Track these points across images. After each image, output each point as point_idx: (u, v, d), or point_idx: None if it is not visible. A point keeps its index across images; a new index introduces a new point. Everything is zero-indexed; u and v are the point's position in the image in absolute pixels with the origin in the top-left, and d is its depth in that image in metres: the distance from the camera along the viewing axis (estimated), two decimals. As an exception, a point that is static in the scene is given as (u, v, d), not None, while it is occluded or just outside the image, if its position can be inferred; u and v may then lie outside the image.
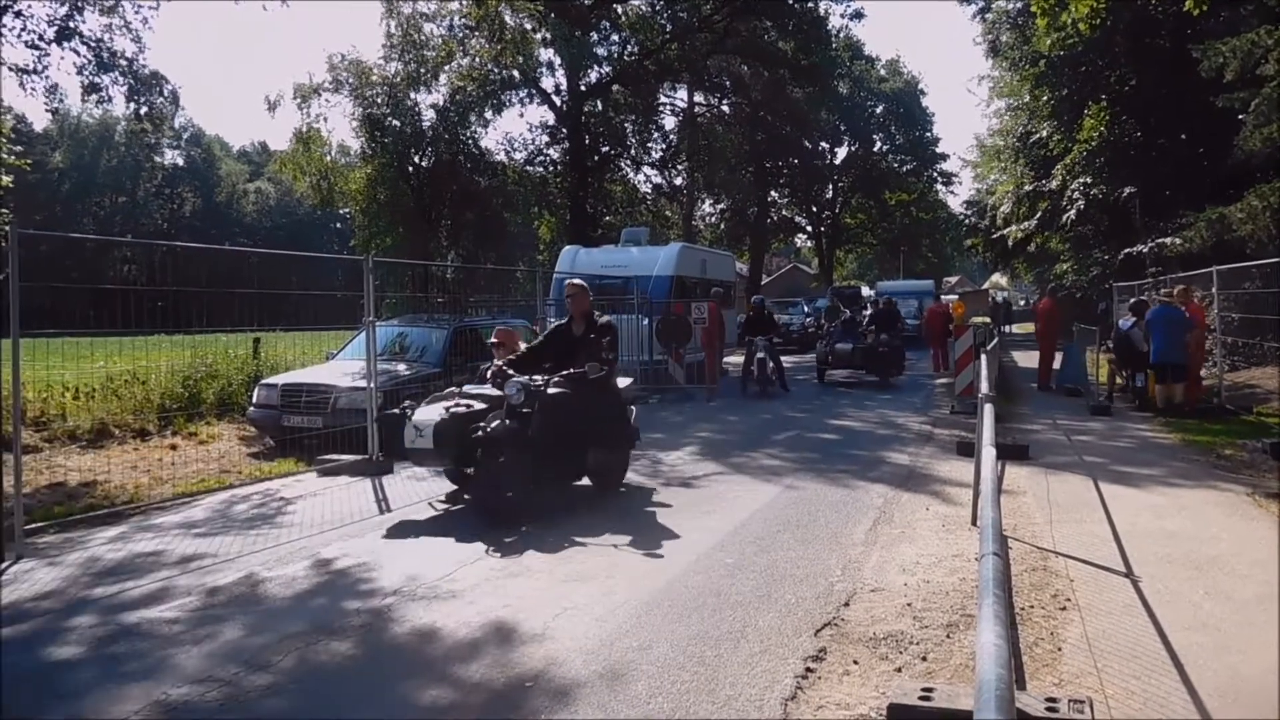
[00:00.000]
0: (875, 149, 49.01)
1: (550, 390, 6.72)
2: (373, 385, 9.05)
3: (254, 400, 10.40)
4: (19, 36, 13.29)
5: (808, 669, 3.84)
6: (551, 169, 29.47)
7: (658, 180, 34.29)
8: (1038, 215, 26.42)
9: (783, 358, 17.19)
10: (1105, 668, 3.79)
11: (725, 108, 35.21)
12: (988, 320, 30.28)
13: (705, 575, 5.17)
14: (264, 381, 10.65)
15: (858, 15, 37.60)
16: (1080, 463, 8.63)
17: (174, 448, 10.23)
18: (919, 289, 34.62)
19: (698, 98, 34.44)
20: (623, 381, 7.90)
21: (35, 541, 6.22)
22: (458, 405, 6.90)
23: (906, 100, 48.36)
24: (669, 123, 33.46)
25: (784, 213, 49.46)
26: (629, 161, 31.63)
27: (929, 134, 49.89)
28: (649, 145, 31.83)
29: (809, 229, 52.56)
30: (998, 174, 33.36)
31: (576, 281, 7.71)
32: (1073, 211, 22.70)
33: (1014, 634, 4.10)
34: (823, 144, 46.75)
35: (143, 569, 5.51)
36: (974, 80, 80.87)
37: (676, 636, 4.19)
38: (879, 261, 62.39)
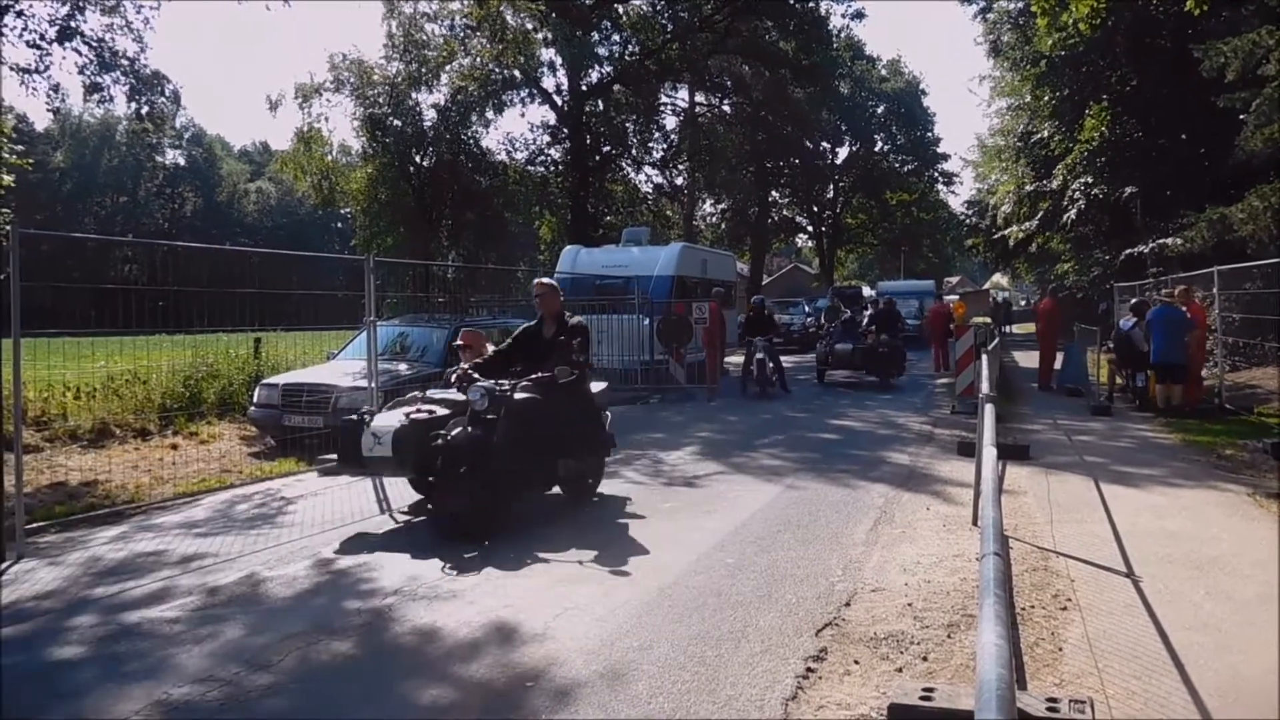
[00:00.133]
0: (876, 149, 49.00)
1: (517, 395, 6.32)
2: (374, 385, 9.06)
3: (255, 400, 10.41)
4: (20, 36, 13.32)
5: (808, 669, 3.84)
6: (552, 169, 29.48)
7: (659, 180, 34.36)
8: (1039, 215, 26.40)
9: (784, 358, 17.18)
10: (1106, 668, 3.79)
11: (726, 108, 35.22)
12: (988, 320, 30.26)
13: (706, 575, 5.17)
14: (265, 381, 10.66)
15: (859, 15, 37.68)
16: (1081, 463, 8.63)
17: (175, 447, 10.24)
18: (919, 289, 34.62)
19: (699, 97, 34.45)
20: (596, 386, 7.53)
21: (36, 541, 6.23)
22: (419, 411, 6.52)
23: (907, 100, 48.34)
24: (670, 123, 33.53)
25: (785, 213, 49.47)
26: (630, 161, 31.66)
27: (930, 134, 49.91)
28: (650, 145, 31.85)
29: (810, 229, 52.55)
30: (999, 174, 33.32)
31: (546, 280, 7.26)
32: (1073, 211, 22.68)
33: (1015, 634, 4.10)
34: (824, 144, 46.75)
35: (144, 569, 5.51)
36: (975, 80, 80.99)
37: (677, 636, 4.20)
38: (880, 261, 62.38)
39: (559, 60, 26.00)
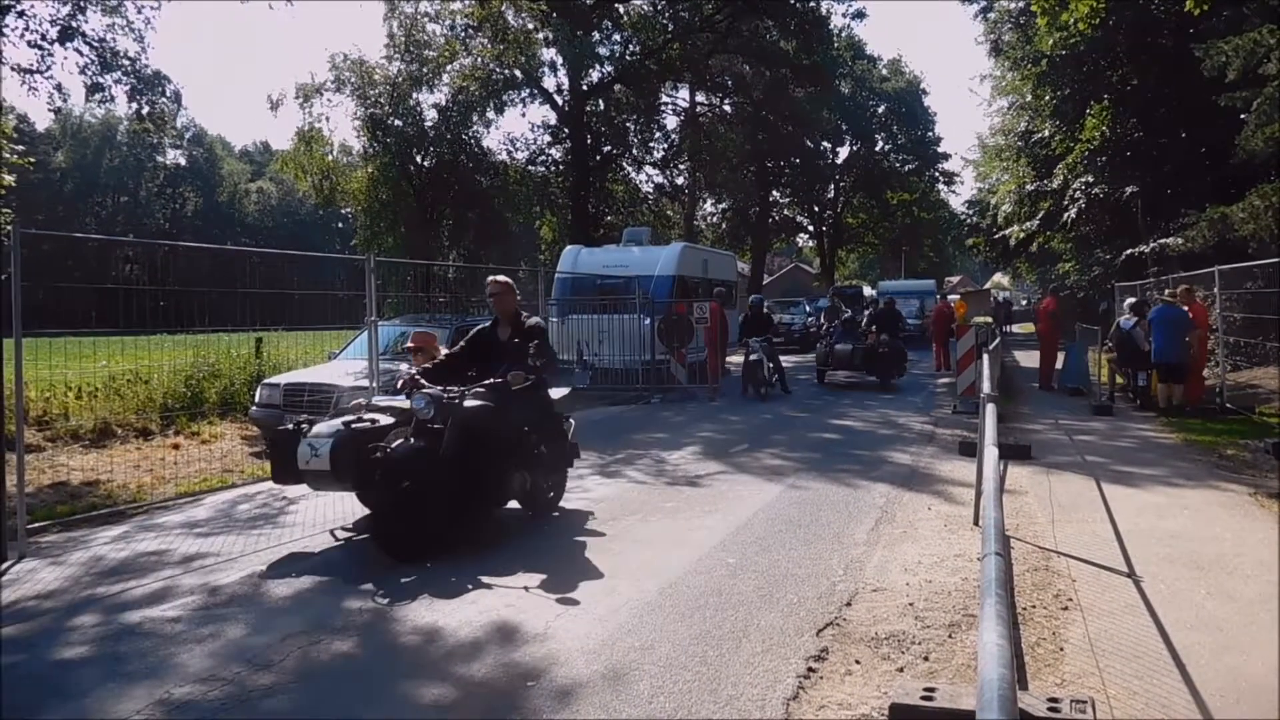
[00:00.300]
0: (877, 148, 48.95)
1: (466, 403, 5.80)
2: (374, 385, 9.06)
3: (256, 400, 10.41)
4: (22, 36, 13.34)
5: (810, 669, 3.84)
6: (553, 169, 29.48)
7: (659, 180, 34.36)
8: (1039, 215, 26.38)
9: (785, 358, 17.16)
10: (1107, 668, 3.79)
11: (727, 107, 35.20)
12: (989, 320, 30.23)
13: (707, 575, 5.17)
14: (266, 381, 10.66)
15: (859, 15, 37.78)
16: (1082, 462, 8.63)
17: (176, 447, 10.25)
18: (920, 289, 34.63)
19: (699, 97, 34.44)
20: (557, 392, 6.94)
21: (38, 541, 6.24)
22: (360, 420, 6.06)
23: (908, 100, 48.30)
24: (671, 122, 33.54)
25: (785, 212, 49.42)
26: (630, 161, 31.66)
27: (931, 133, 49.86)
28: (651, 145, 31.86)
29: (810, 229, 52.53)
30: (999, 173, 33.28)
31: (501, 278, 6.66)
32: (1074, 211, 22.67)
33: (1016, 634, 4.11)
34: (824, 144, 46.67)
35: (145, 568, 5.52)
36: (976, 79, 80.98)
37: (678, 636, 4.20)
38: (881, 261, 62.34)
39: (560, 60, 26.03)
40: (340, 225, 72.73)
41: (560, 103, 28.16)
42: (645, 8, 28.29)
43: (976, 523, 6.17)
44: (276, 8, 39.48)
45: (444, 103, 23.96)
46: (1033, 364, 17.88)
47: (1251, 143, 13.70)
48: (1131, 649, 4.00)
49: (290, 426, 6.24)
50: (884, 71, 48.61)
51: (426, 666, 3.97)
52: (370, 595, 4.91)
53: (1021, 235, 28.45)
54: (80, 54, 14.24)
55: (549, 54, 25.86)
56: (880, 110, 48.23)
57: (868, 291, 36.45)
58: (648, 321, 15.86)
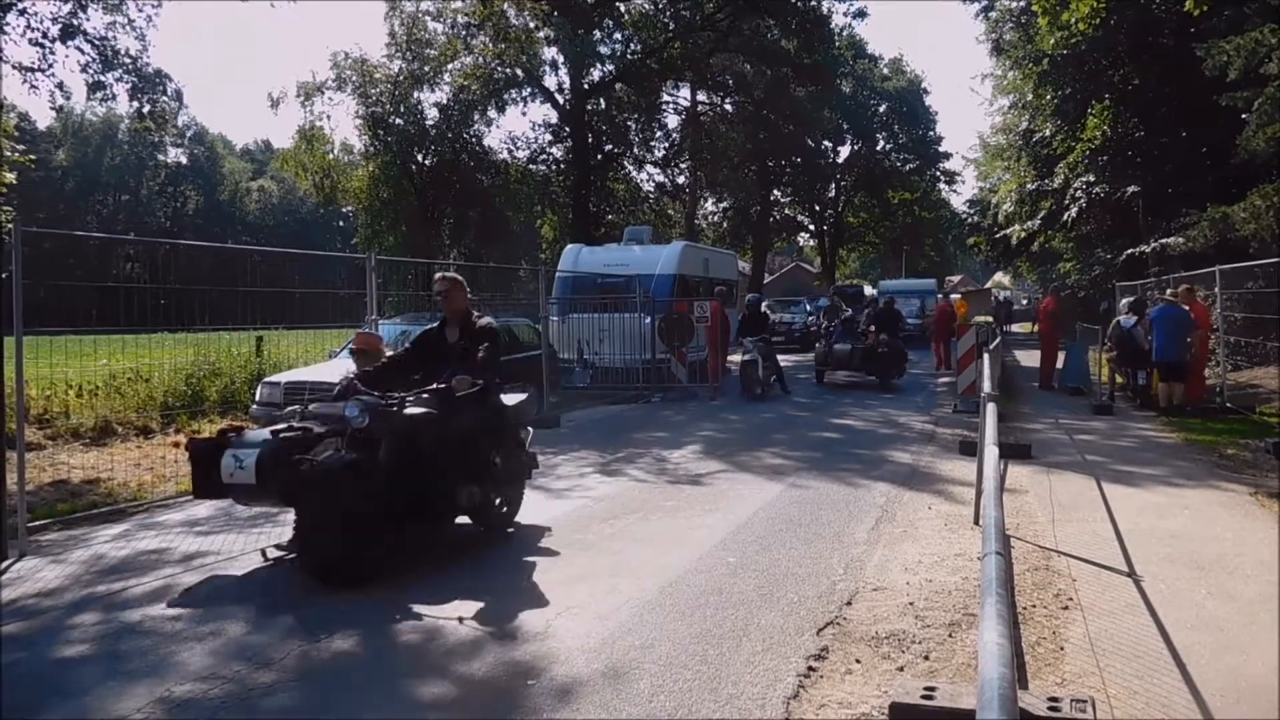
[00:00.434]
0: (878, 148, 48.93)
1: (406, 411, 5.34)
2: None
3: (257, 398, 10.41)
4: (23, 35, 13.36)
5: (810, 668, 3.84)
6: (554, 167, 29.50)
7: (660, 179, 34.38)
8: (1040, 214, 26.37)
9: (785, 358, 17.14)
10: (1108, 667, 3.79)
11: (728, 106, 35.19)
12: (990, 319, 30.22)
13: (708, 574, 5.17)
14: (267, 379, 10.66)
15: (860, 14, 37.65)
16: (1083, 462, 8.63)
17: (177, 445, 10.22)
18: (921, 288, 34.60)
19: (700, 96, 34.45)
20: (511, 398, 6.40)
21: (38, 539, 6.24)
22: (291, 429, 5.46)
23: (909, 99, 48.28)
24: (672, 121, 33.56)
25: (786, 212, 49.40)
26: (631, 160, 31.68)
27: (932, 133, 49.84)
28: (651, 144, 31.87)
29: (811, 228, 52.53)
30: (1000, 173, 33.28)
31: (449, 275, 6.12)
32: (1075, 210, 22.66)
33: (1016, 633, 4.11)
34: (825, 143, 46.66)
35: (146, 566, 5.52)
36: (977, 78, 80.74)
37: (679, 635, 4.20)
38: (881, 260, 62.33)
39: (561, 59, 26.05)
40: (341, 224, 72.76)
41: (561, 101, 28.18)
42: (646, 6, 28.30)
43: (977, 522, 6.17)
44: (278, 6, 39.46)
45: (445, 101, 24.03)
46: (1033, 363, 17.87)
47: (1252, 142, 13.69)
48: (1132, 648, 4.00)
49: (211, 436, 5.67)
50: (885, 70, 48.61)
51: (427, 664, 3.97)
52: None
53: (1022, 235, 28.44)
54: (81, 52, 14.30)
55: (550, 53, 25.92)
56: (881, 109, 48.23)
57: (868, 291, 36.43)
58: (648, 320, 15.86)
